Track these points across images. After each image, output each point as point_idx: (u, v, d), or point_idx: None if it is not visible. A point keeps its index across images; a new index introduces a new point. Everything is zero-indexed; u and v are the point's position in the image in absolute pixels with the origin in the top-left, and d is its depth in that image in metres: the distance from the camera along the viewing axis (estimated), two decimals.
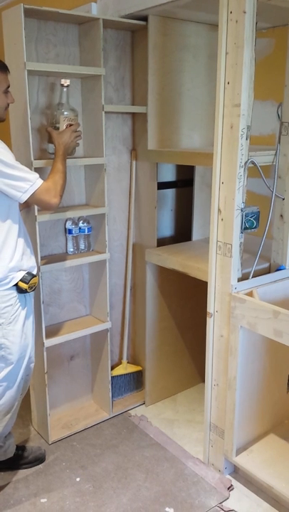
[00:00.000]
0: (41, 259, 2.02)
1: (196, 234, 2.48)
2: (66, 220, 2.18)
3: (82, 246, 2.21)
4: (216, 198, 1.76)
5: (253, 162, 1.73)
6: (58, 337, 2.13)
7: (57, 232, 2.19)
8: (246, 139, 1.66)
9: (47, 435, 2.19)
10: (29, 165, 1.83)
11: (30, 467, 2.03)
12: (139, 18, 2.03)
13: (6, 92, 1.70)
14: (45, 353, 2.07)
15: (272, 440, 2.04)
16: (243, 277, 1.86)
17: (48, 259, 2.11)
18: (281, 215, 1.94)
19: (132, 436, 2.24)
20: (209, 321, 1.93)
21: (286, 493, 1.75)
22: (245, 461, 1.92)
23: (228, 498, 1.88)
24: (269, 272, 1.99)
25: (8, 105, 1.74)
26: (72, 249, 2.19)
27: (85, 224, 2.18)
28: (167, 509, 1.82)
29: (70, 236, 2.18)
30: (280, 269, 1.98)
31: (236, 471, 2.02)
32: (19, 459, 2.03)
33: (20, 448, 2.06)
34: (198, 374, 2.68)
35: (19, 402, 1.86)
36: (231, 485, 1.95)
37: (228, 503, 1.86)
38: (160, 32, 2.08)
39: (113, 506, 1.83)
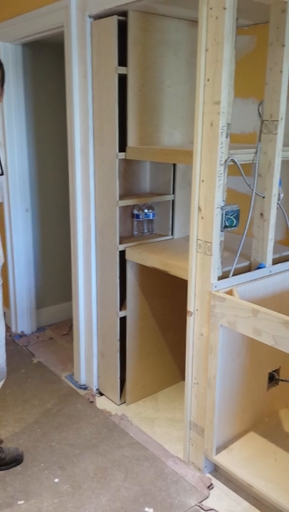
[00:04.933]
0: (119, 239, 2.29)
1: (178, 232, 2.47)
2: (133, 207, 2.38)
3: (145, 230, 2.46)
4: (196, 196, 1.75)
5: (233, 160, 1.73)
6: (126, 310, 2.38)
7: (125, 217, 2.40)
8: (226, 137, 1.65)
9: (116, 398, 2.47)
10: (115, 157, 2.15)
11: (8, 468, 2.00)
12: (119, 13, 2.01)
13: None
14: (118, 323, 2.35)
15: (253, 438, 2.04)
16: (223, 276, 1.85)
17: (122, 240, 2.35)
18: (261, 214, 1.94)
19: (112, 435, 2.23)
20: (189, 320, 1.92)
21: (265, 492, 1.75)
22: (225, 459, 1.92)
23: (208, 497, 1.88)
24: (249, 271, 1.98)
25: None
26: (136, 232, 2.44)
27: (150, 210, 2.42)
28: (147, 509, 1.81)
29: (136, 221, 2.42)
30: (260, 268, 1.98)
31: (216, 470, 2.01)
32: None
33: None
34: (179, 372, 2.68)
35: None
36: (211, 484, 1.94)
37: (208, 502, 1.85)
38: (140, 28, 2.05)
39: (92, 507, 1.81)
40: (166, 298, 2.51)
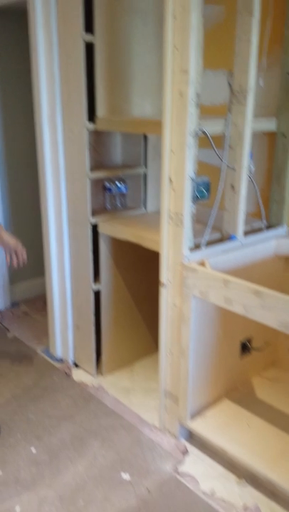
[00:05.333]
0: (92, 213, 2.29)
1: (151, 205, 2.47)
2: (105, 180, 2.38)
3: (118, 203, 2.45)
4: (167, 168, 1.75)
5: (203, 131, 1.72)
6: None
7: (97, 191, 2.41)
8: (196, 107, 1.64)
9: (92, 369, 2.50)
10: (84, 128, 2.11)
11: None
12: None
13: None
14: (92, 296, 2.36)
15: (226, 405, 2.10)
16: (196, 247, 1.87)
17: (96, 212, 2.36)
18: (232, 186, 1.95)
19: (88, 406, 2.26)
20: (162, 291, 1.94)
21: (239, 457, 1.81)
22: (200, 426, 1.97)
23: (183, 463, 1.94)
24: (221, 242, 2.00)
25: None
26: (109, 206, 2.42)
27: (122, 183, 2.41)
28: (123, 475, 1.86)
29: (108, 194, 2.41)
30: (232, 240, 2.00)
31: (191, 436, 2.07)
32: None
33: None
34: (155, 343, 2.72)
35: None
36: (186, 450, 2.00)
37: (184, 468, 1.91)
38: None
39: (69, 475, 1.86)
40: (141, 271, 2.52)
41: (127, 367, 2.62)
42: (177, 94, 1.63)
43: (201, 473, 1.89)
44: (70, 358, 2.61)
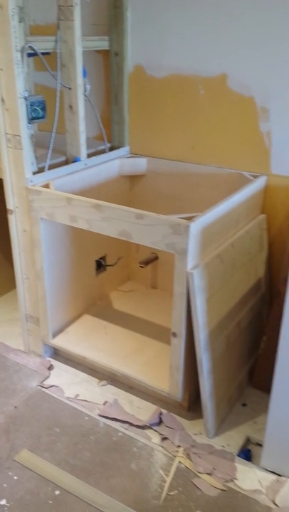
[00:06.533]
0: None
1: None
2: None
3: None
4: None
5: (31, 47, 1.69)
6: None
7: None
8: (20, 22, 1.60)
9: None
10: None
11: None
12: None
13: None
14: None
15: (86, 320, 2.23)
16: (40, 171, 1.88)
17: None
18: (70, 106, 1.96)
19: None
20: (11, 218, 1.95)
21: (98, 359, 1.96)
22: (62, 341, 2.08)
23: (48, 377, 2.04)
24: (66, 165, 2.04)
25: None
26: None
27: None
28: None
29: None
30: (76, 161, 2.04)
31: (56, 353, 2.18)
32: None
33: None
34: None
35: None
36: (51, 365, 2.11)
37: (49, 381, 2.02)
38: None
39: None
40: None
41: None
42: None
43: (65, 382, 2.01)
44: None
